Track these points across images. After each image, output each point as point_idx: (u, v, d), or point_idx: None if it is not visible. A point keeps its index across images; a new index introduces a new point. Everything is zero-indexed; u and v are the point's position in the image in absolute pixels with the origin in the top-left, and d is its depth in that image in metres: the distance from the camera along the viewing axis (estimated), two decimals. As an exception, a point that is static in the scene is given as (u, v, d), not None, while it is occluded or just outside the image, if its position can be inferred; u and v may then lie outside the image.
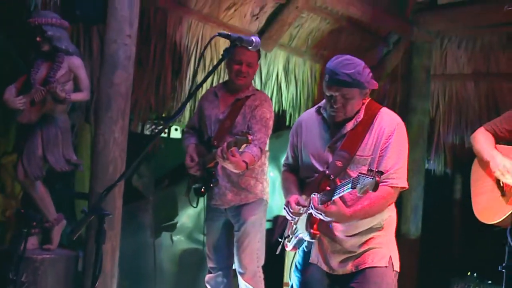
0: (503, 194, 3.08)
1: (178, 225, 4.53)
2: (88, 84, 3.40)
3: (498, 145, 3.20)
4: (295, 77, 5.38)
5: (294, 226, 2.63)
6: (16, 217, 3.58)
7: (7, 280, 3.03)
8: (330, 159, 2.51)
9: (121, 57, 3.19)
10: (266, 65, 5.05)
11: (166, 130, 4.78)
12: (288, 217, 2.61)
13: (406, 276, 5.50)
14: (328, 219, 2.42)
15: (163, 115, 4.44)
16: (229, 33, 2.19)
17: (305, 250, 2.66)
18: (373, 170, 2.19)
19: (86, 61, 3.67)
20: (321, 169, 2.54)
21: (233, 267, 3.57)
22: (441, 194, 6.19)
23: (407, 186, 2.51)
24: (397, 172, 2.44)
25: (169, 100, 4.45)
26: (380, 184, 2.31)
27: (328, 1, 4.79)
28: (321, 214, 2.40)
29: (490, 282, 4.27)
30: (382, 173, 2.21)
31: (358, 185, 2.21)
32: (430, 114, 5.93)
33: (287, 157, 2.79)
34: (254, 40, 2.23)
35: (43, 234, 3.43)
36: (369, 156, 2.47)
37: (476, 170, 3.29)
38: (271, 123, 3.39)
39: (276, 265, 3.83)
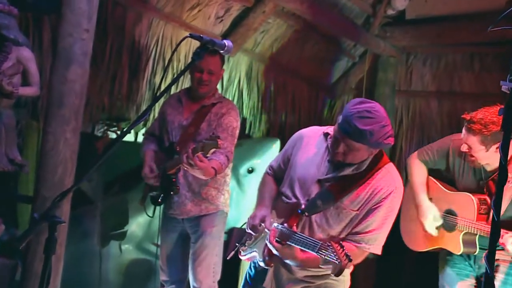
0: (424, 229, 3.21)
1: (127, 233, 4.43)
2: (39, 78, 3.31)
3: (430, 179, 3.28)
4: (257, 84, 5.38)
5: (252, 240, 2.59)
6: None
7: None
8: (314, 192, 2.43)
9: (77, 53, 3.09)
10: (228, 70, 5.03)
11: (119, 132, 4.68)
12: (248, 230, 2.57)
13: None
14: (278, 254, 2.39)
15: (116, 115, 4.35)
16: (201, 36, 2.15)
17: (257, 267, 2.61)
18: (348, 255, 2.16)
19: (35, 53, 3.54)
20: (300, 195, 2.47)
21: (187, 280, 3.52)
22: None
23: (380, 254, 2.45)
24: (376, 238, 2.39)
25: (124, 99, 4.36)
26: (354, 244, 2.34)
27: (295, 8, 4.81)
28: (275, 249, 2.37)
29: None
30: (351, 260, 2.18)
31: (323, 255, 2.19)
32: (394, 130, 6.04)
33: (275, 163, 2.71)
34: (226, 44, 2.20)
35: (-20, 240, 3.32)
36: (355, 211, 2.39)
37: (409, 193, 3.29)
38: (237, 132, 3.38)
39: (231, 279, 3.80)
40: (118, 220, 4.42)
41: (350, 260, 2.18)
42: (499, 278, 3.14)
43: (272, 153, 4.80)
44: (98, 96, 4.20)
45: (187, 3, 4.49)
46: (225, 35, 4.79)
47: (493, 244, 1.83)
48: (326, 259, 2.18)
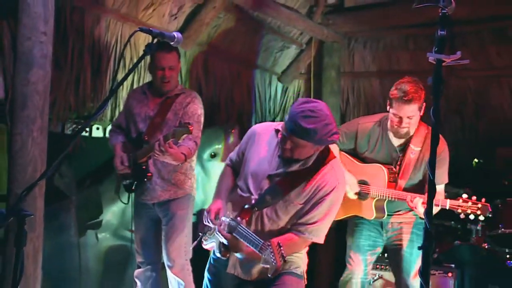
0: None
1: (103, 222, 4.38)
2: (1, 82, 3.19)
3: (342, 154, 3.41)
4: (214, 75, 5.32)
5: (212, 231, 2.55)
6: None
7: None
8: (265, 187, 2.41)
9: (37, 55, 2.99)
10: (185, 64, 4.96)
11: (88, 129, 4.59)
12: (205, 221, 2.53)
13: (323, 261, 5.67)
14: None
15: (85, 114, 4.25)
16: (151, 29, 2.10)
17: (218, 256, 2.56)
18: (283, 255, 2.17)
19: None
20: (253, 190, 2.44)
21: (162, 261, 3.50)
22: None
23: (322, 243, 2.46)
24: (320, 229, 2.40)
25: (89, 99, 4.26)
26: (298, 234, 2.35)
27: (244, 2, 4.77)
28: (224, 239, 2.36)
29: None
30: (285, 260, 2.20)
31: (263, 255, 2.20)
32: (341, 109, 6.10)
33: (234, 155, 2.67)
34: (176, 35, 2.16)
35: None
36: (301, 204, 2.38)
37: None
38: (202, 119, 3.38)
39: (203, 258, 3.78)
40: (92, 211, 4.38)
41: (285, 261, 2.20)
42: (406, 238, 3.34)
43: (231, 138, 4.78)
44: (64, 96, 4.08)
45: (141, 3, 4.39)
46: (180, 31, 4.67)
47: (430, 202, 1.88)
48: (265, 259, 2.20)
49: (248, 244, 2.29)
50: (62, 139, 4.26)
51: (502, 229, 4.44)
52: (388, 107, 3.22)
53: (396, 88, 3.14)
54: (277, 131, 2.47)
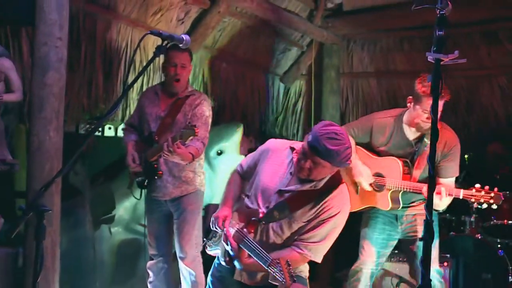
0: (357, 192, 3.32)
1: (115, 217, 4.38)
2: (20, 85, 3.20)
3: (358, 149, 3.32)
4: (219, 76, 5.32)
5: (217, 238, 2.53)
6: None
7: None
8: (273, 202, 2.38)
9: (53, 59, 2.99)
10: (193, 65, 4.96)
11: (100, 129, 4.60)
12: (211, 227, 2.50)
13: (324, 261, 5.66)
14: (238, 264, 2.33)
15: (97, 115, 4.27)
16: (161, 32, 2.09)
17: (222, 263, 2.53)
18: (293, 275, 2.14)
19: (16, 63, 3.45)
20: (261, 203, 2.41)
21: (173, 253, 3.50)
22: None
23: (319, 262, 2.41)
24: (319, 249, 2.36)
25: (101, 101, 4.28)
26: (299, 251, 2.32)
27: (247, 7, 4.77)
28: (230, 248, 2.32)
29: (396, 251, 4.43)
30: (295, 281, 2.15)
31: (272, 272, 2.16)
32: (341, 108, 6.09)
33: (245, 164, 2.63)
34: (184, 38, 2.14)
35: (-19, 233, 3.23)
36: (304, 222, 2.35)
37: None
38: (210, 120, 3.35)
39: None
40: (106, 206, 4.37)
41: (294, 281, 2.15)
42: (421, 229, 3.17)
43: (236, 136, 4.79)
44: (77, 98, 4.10)
45: (150, 9, 4.40)
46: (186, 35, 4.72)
47: (431, 196, 1.88)
48: (274, 276, 2.16)
49: (255, 258, 2.26)
50: (76, 139, 4.27)
51: (494, 221, 4.47)
52: (410, 104, 3.14)
53: (422, 85, 3.04)
54: (292, 148, 2.46)
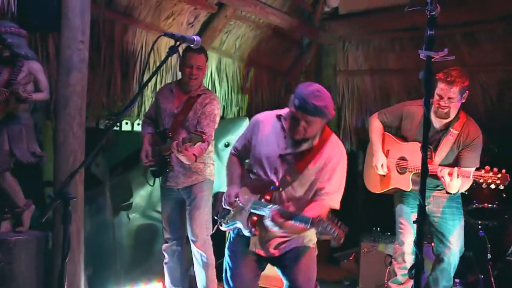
0: (384, 175, 3.38)
1: (133, 205, 4.41)
2: (47, 85, 3.21)
3: (386, 134, 3.43)
4: (226, 75, 5.33)
5: (231, 214, 2.53)
6: (-10, 205, 3.36)
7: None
8: (279, 167, 2.40)
9: (76, 61, 3.02)
10: (207, 66, 4.98)
11: (118, 124, 4.62)
12: (225, 206, 2.51)
13: (323, 241, 5.70)
14: (278, 229, 2.30)
15: (115, 111, 4.29)
16: (173, 33, 2.11)
17: (240, 233, 2.55)
18: (341, 226, 2.12)
19: (44, 65, 3.46)
20: (269, 172, 2.42)
21: (186, 236, 3.53)
22: (348, 167, 6.38)
23: (338, 208, 2.44)
24: (336, 195, 2.40)
25: (119, 98, 4.29)
26: (319, 201, 2.33)
27: (252, 11, 4.77)
28: (275, 226, 2.29)
29: (389, 233, 4.46)
30: (347, 229, 2.14)
31: (318, 229, 2.13)
32: (338, 103, 6.09)
33: (239, 145, 2.64)
34: (195, 38, 2.16)
35: (15, 218, 3.24)
36: (314, 176, 2.38)
37: (370, 147, 3.52)
38: (217, 118, 3.37)
39: (221, 234, 3.82)
40: (124, 195, 4.40)
41: (345, 230, 2.14)
42: (447, 211, 3.28)
43: (242, 129, 4.78)
44: (97, 96, 4.11)
45: (163, 14, 4.40)
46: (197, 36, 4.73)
47: (424, 181, 1.89)
48: (322, 231, 2.13)
49: (294, 222, 2.24)
50: (97, 133, 4.29)
51: (476, 204, 4.46)
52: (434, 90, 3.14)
53: (443, 72, 3.05)
54: (279, 116, 2.47)
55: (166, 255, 3.57)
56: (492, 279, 4.05)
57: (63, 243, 2.03)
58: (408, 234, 3.32)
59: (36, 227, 3.36)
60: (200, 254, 3.41)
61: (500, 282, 4.08)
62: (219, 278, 3.64)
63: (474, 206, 4.47)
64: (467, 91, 3.10)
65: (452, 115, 3.14)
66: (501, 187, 2.96)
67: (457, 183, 3.00)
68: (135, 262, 4.31)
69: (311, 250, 2.54)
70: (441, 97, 3.06)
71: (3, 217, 3.15)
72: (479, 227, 4.32)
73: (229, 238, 2.67)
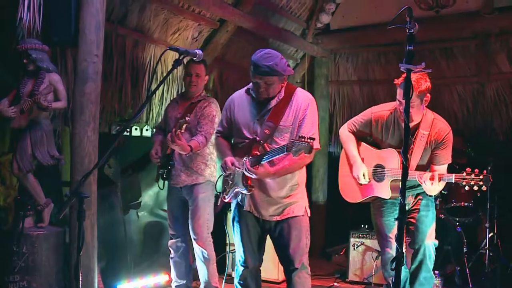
0: (360, 184, 3.09)
1: (142, 203, 4.44)
2: (65, 94, 3.28)
3: (360, 143, 3.14)
4: (227, 84, 5.35)
5: (231, 182, 2.59)
6: (15, 203, 3.43)
7: (11, 252, 2.99)
8: (258, 129, 2.47)
9: (91, 72, 3.05)
10: (208, 75, 4.99)
11: (128, 130, 4.66)
12: (224, 172, 2.58)
13: (316, 232, 5.72)
14: (257, 177, 2.40)
15: (126, 117, 4.32)
16: (178, 47, 2.16)
17: (240, 203, 2.63)
18: (304, 137, 2.15)
19: (63, 76, 3.52)
20: (249, 135, 2.49)
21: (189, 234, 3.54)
22: (337, 169, 6.39)
23: (319, 147, 2.47)
24: (313, 136, 2.34)
25: (130, 106, 4.33)
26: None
27: (250, 26, 4.82)
28: (252, 174, 2.39)
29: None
30: (313, 139, 2.17)
31: (293, 149, 2.17)
32: (330, 110, 6.14)
33: (220, 126, 2.72)
34: (197, 52, 2.21)
35: (36, 215, 3.32)
36: (290, 125, 2.45)
37: (343, 156, 3.25)
38: (216, 119, 3.37)
39: (221, 231, 3.85)
40: (134, 194, 4.42)
41: (313, 139, 2.17)
42: (422, 203, 3.07)
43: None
44: (110, 104, 4.16)
45: (170, 29, 4.45)
46: (200, 50, 4.75)
47: (404, 180, 1.92)
48: (295, 150, 2.17)
49: (277, 156, 2.32)
50: (109, 138, 4.32)
51: (454, 203, 4.52)
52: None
53: (401, 77, 2.79)
54: (247, 90, 2.57)
55: (171, 250, 3.57)
56: (468, 270, 4.11)
57: (78, 237, 2.06)
58: (392, 246, 3.06)
59: (55, 223, 3.42)
60: (202, 251, 3.39)
61: (474, 273, 4.15)
62: (220, 271, 3.68)
63: (452, 204, 4.53)
64: (427, 94, 2.87)
65: (417, 119, 2.92)
66: (484, 188, 2.77)
67: (439, 186, 2.85)
68: (144, 256, 4.34)
69: (301, 218, 2.55)
70: (400, 103, 2.85)
71: (26, 214, 3.20)
72: (457, 223, 4.37)
73: (232, 215, 2.71)
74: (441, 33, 5.13)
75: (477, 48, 5.26)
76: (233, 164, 2.50)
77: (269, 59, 2.35)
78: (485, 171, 2.80)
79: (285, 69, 2.39)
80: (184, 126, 3.01)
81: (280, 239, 2.55)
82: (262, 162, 2.39)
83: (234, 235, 2.71)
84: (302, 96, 2.49)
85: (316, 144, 2.36)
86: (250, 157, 2.43)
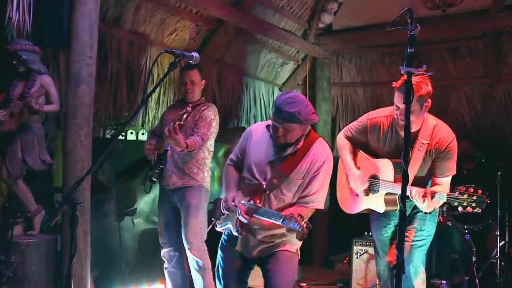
0: (357, 195, 3.00)
1: (137, 210, 4.42)
2: (58, 97, 3.28)
3: (357, 150, 3.02)
4: (226, 87, 5.37)
5: (225, 215, 2.58)
6: (3, 210, 3.41)
7: (-1, 261, 2.94)
8: (268, 172, 2.43)
9: (84, 75, 3.06)
10: (204, 80, 5.00)
11: (123, 134, 4.66)
12: (223, 210, 2.55)
13: (319, 240, 5.74)
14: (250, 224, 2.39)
15: (122, 121, 4.33)
16: (174, 50, 2.15)
17: (231, 235, 2.61)
18: (307, 222, 2.14)
19: (55, 78, 3.53)
20: (258, 177, 2.46)
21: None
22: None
23: (322, 208, 2.46)
24: (319, 197, 2.40)
25: (125, 109, 4.35)
26: (304, 205, 2.34)
27: (249, 27, 4.83)
28: (244, 220, 2.38)
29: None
30: (311, 227, 2.15)
31: (287, 225, 2.17)
32: (332, 113, 6.15)
33: (234, 155, 2.66)
34: (194, 55, 2.21)
35: (26, 222, 3.31)
36: (300, 179, 2.40)
37: (340, 164, 3.12)
38: (214, 123, 3.38)
39: (217, 239, 3.83)
40: (129, 200, 4.39)
41: (311, 228, 2.15)
42: (416, 215, 2.92)
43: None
44: (104, 107, 4.17)
45: (166, 30, 4.47)
46: (197, 52, 4.73)
47: (404, 188, 1.90)
48: (290, 228, 2.18)
49: (270, 220, 2.30)
50: (103, 142, 4.32)
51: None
52: None
53: (401, 80, 2.62)
54: (267, 126, 2.51)
55: (165, 260, 3.53)
56: (477, 280, 4.07)
57: (70, 245, 2.05)
58: (385, 262, 2.98)
59: (46, 230, 3.41)
60: (196, 261, 3.36)
61: (484, 284, 4.12)
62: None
63: (460, 211, 4.49)
64: (428, 100, 2.65)
65: (415, 127, 2.70)
66: (478, 210, 2.51)
67: (433, 204, 2.61)
68: (139, 264, 4.31)
69: (292, 255, 2.54)
70: (398, 108, 2.67)
71: (15, 221, 3.19)
72: (465, 231, 4.36)
73: (221, 239, 2.72)
74: (448, 33, 5.15)
75: (485, 48, 5.26)
76: (233, 202, 2.47)
77: (293, 106, 2.28)
78: (480, 191, 2.54)
79: (308, 118, 2.32)
80: (185, 116, 3.02)
81: (268, 272, 2.53)
82: (255, 216, 2.38)
83: (217, 262, 2.69)
84: (320, 150, 2.42)
85: (320, 205, 2.40)
86: (247, 203, 2.42)
